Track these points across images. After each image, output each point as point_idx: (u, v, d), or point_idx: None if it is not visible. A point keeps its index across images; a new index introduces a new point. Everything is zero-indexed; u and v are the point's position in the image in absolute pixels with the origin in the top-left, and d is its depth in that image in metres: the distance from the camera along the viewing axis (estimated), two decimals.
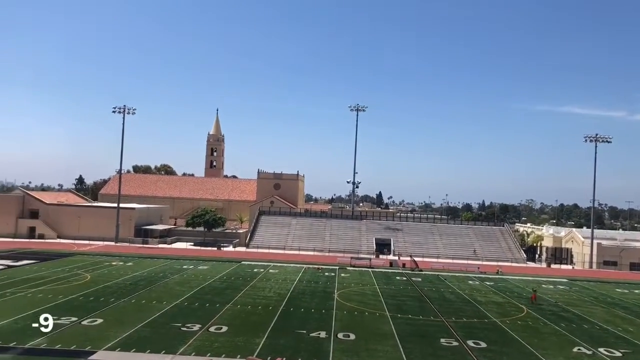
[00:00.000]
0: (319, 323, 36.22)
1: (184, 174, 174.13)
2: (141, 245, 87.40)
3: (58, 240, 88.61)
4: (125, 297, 42.45)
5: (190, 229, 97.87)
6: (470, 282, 63.05)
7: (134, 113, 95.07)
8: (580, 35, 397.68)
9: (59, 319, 33.60)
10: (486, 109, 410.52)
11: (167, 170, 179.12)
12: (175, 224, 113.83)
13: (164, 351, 27.81)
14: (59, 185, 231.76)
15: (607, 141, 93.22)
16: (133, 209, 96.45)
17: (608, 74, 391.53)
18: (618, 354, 32.13)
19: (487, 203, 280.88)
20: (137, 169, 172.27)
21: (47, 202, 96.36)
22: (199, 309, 39.21)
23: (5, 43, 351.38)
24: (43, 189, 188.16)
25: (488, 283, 62.50)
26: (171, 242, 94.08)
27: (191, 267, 63.95)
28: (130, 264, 64.33)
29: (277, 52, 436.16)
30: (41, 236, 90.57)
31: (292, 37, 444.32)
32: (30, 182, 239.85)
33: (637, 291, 62.57)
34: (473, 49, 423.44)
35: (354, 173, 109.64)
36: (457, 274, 69.43)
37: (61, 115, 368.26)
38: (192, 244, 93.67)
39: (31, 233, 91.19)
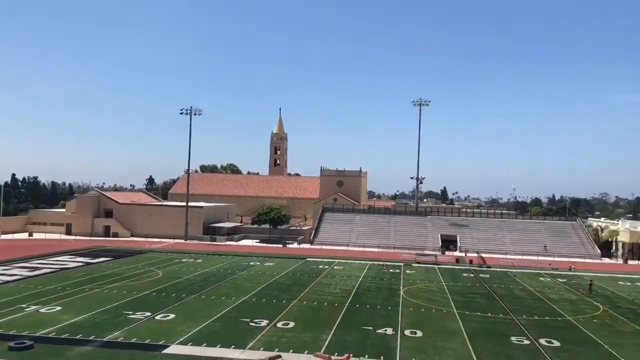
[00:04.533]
0: (385, 320, 36.05)
1: (249, 173, 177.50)
2: (209, 243, 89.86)
3: (131, 238, 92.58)
4: (195, 293, 43.78)
5: (256, 226, 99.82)
6: (541, 278, 60.93)
7: (200, 114, 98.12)
8: None
9: (134, 313, 35.14)
10: (554, 99, 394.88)
11: (232, 169, 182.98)
12: (241, 222, 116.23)
13: (233, 346, 28.47)
14: (130, 185, 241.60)
15: None
16: (201, 207, 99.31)
17: None
18: None
19: (557, 197, 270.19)
20: (204, 169, 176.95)
21: (121, 202, 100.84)
22: (267, 305, 39.89)
23: (80, 44, 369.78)
24: (116, 189, 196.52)
25: (560, 280, 60.21)
26: (238, 240, 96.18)
27: (258, 263, 65.15)
28: (199, 260, 66.29)
29: (337, 47, 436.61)
30: (115, 234, 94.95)
31: (351, 32, 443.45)
32: (104, 183, 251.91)
33: None
34: (539, 40, 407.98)
35: (418, 169, 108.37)
36: (526, 271, 67.27)
37: (132, 117, 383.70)
38: (258, 241, 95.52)
39: (106, 231, 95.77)
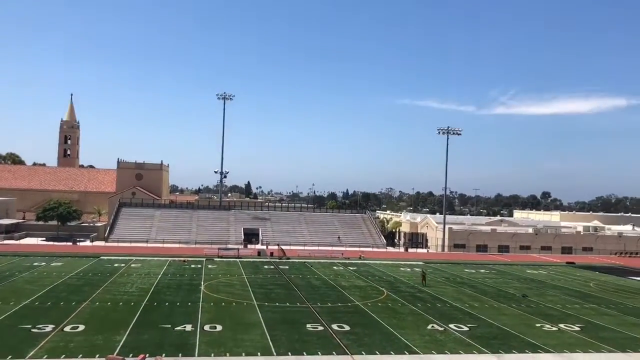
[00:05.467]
0: (184, 317, 35.30)
1: (35, 164, 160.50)
2: None
3: None
4: None
5: (41, 223, 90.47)
6: (334, 267, 65.31)
7: None
8: (435, 38, 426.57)
9: None
10: (350, 101, 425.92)
11: (14, 160, 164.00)
12: (24, 218, 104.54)
13: (10, 356, 25.40)
14: None
15: (457, 133, 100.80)
16: None
17: (460, 72, 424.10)
18: (465, 328, 35.08)
19: (350, 192, 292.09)
20: None
21: None
22: (52, 309, 36.41)
23: None
24: None
25: (351, 268, 65.16)
26: (19, 238, 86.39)
27: (43, 263, 59.20)
28: None
29: (138, 32, 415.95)
30: None
31: (154, 19, 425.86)
32: None
33: (482, 271, 68.85)
34: (339, 42, 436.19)
35: (222, 163, 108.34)
36: (322, 261, 71.57)
37: None
38: (44, 239, 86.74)
39: None
